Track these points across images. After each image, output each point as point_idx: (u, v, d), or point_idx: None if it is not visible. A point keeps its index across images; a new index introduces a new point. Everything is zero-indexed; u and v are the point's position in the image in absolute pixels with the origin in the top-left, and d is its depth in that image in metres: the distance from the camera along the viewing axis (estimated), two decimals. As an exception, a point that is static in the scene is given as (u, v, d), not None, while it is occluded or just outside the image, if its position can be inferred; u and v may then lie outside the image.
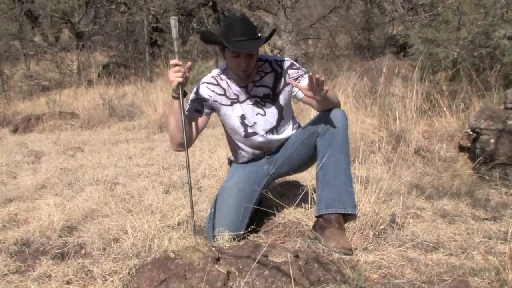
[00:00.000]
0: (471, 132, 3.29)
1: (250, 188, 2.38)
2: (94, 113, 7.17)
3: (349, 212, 2.17)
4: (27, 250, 2.23)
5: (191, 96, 2.34)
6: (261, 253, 1.95)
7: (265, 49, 11.56)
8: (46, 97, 9.23)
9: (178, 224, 2.43)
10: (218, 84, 2.35)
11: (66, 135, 6.14)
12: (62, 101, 8.57)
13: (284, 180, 3.03)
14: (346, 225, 2.22)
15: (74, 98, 8.94)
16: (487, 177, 2.98)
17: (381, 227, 2.28)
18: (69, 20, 12.10)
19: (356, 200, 2.26)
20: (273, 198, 2.36)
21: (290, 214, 2.49)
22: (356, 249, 2.11)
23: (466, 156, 3.34)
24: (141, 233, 2.21)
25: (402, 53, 8.73)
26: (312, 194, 2.37)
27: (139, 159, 4.30)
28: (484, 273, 1.81)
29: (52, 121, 6.82)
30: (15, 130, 6.74)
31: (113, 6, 12.58)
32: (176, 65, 2.12)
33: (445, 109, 4.21)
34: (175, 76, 2.12)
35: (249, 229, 2.29)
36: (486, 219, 2.47)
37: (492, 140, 3.01)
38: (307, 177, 3.15)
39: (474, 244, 2.13)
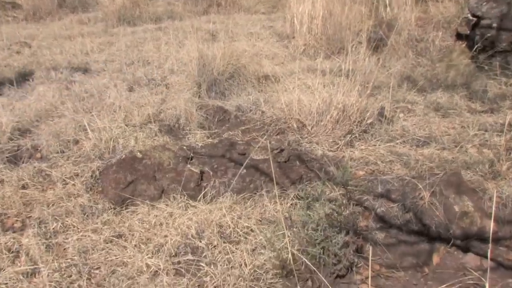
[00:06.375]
0: (471, 17, 3.21)
1: None
2: (40, 3, 6.74)
3: None
4: (-25, 155, 2.18)
5: None
6: (237, 151, 1.95)
7: None
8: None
9: (144, 123, 2.39)
10: None
11: (8, 28, 5.79)
12: (0, -11, 8.01)
13: (262, 75, 2.97)
14: (327, 117, 2.21)
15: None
16: (486, 67, 2.97)
17: (368, 122, 2.28)
18: None
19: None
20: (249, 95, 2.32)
21: (268, 111, 2.47)
22: (339, 144, 2.13)
23: (463, 45, 3.30)
24: (104, 133, 2.17)
25: None
26: (292, 93, 2.33)
27: (97, 55, 4.14)
28: (478, 166, 1.86)
29: (-10, 12, 6.41)
30: None
31: None
32: None
33: (443, -8, 4.09)
34: None
35: (223, 128, 2.27)
36: (483, 111, 2.49)
37: (494, 25, 2.96)
38: (286, 72, 3.09)
39: (468, 137, 2.16)
